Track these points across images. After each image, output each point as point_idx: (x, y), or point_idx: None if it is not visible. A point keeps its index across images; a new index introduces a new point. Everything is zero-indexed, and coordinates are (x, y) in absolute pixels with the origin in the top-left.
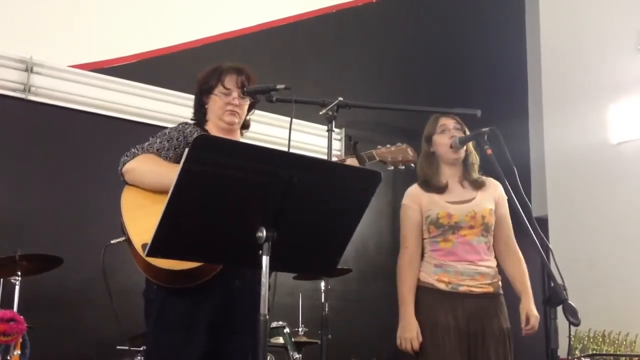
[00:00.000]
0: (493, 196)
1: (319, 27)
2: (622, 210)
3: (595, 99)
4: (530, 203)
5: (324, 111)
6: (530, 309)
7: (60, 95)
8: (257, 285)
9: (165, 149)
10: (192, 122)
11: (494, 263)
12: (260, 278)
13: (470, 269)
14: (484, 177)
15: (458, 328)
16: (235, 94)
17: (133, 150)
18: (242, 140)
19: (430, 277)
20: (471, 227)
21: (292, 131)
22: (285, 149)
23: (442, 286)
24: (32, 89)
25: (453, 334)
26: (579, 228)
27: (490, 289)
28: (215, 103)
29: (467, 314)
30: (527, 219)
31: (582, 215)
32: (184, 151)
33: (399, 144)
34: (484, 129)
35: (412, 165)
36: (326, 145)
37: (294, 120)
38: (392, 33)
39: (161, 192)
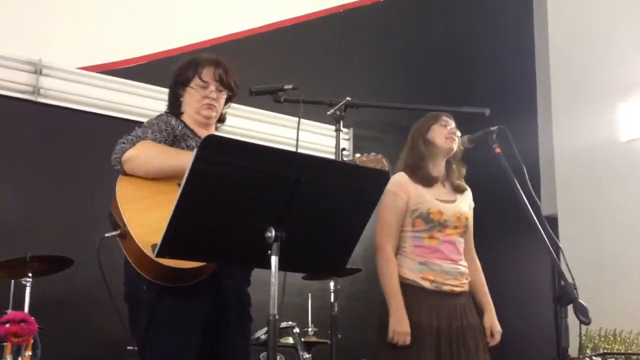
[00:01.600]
0: (468, 202)
1: (326, 27)
2: (632, 208)
3: (604, 97)
4: (540, 202)
5: (331, 111)
6: (494, 324)
7: (69, 97)
8: (244, 284)
9: (158, 141)
10: (166, 112)
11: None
12: (249, 277)
13: (453, 269)
14: (464, 184)
15: (439, 327)
16: (212, 87)
17: (129, 137)
18: (237, 138)
19: (413, 274)
20: (455, 227)
21: (299, 131)
22: (293, 149)
23: (426, 284)
24: (41, 91)
25: (435, 334)
26: (589, 226)
27: (466, 288)
28: (192, 96)
29: (448, 313)
30: (537, 218)
31: (592, 214)
32: (172, 145)
33: (374, 153)
34: (492, 128)
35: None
36: (334, 145)
37: (301, 120)
38: (399, 32)
39: (160, 181)
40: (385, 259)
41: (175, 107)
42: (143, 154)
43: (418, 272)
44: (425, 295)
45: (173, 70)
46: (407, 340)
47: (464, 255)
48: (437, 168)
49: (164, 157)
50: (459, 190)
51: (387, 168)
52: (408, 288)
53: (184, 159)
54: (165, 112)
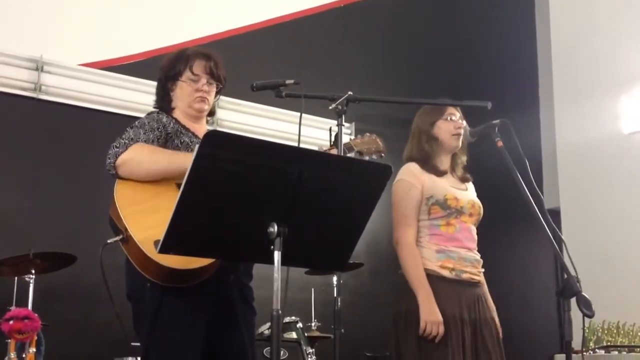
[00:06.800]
0: (474, 192)
1: (327, 22)
2: (635, 201)
3: (607, 90)
4: (542, 195)
5: (333, 106)
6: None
7: (71, 94)
8: (246, 277)
9: (151, 140)
10: (155, 109)
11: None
12: (250, 271)
13: (470, 256)
14: (468, 175)
15: (461, 318)
16: (204, 80)
17: (122, 140)
18: (239, 133)
19: (432, 263)
20: (470, 215)
21: (301, 126)
22: (295, 144)
23: (446, 273)
24: (43, 87)
25: (458, 323)
26: (591, 219)
27: (481, 277)
28: (183, 90)
29: (468, 302)
30: (540, 211)
31: (595, 206)
32: (165, 142)
33: (368, 134)
34: (494, 121)
35: (382, 155)
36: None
37: (303, 115)
38: (401, 26)
39: (158, 182)
40: (408, 250)
41: (165, 102)
42: (136, 157)
43: (437, 260)
44: (446, 284)
45: (162, 65)
46: (441, 330)
47: None
48: (443, 163)
49: (157, 159)
50: (465, 180)
51: (381, 147)
52: (428, 278)
53: (177, 160)
54: (156, 109)
